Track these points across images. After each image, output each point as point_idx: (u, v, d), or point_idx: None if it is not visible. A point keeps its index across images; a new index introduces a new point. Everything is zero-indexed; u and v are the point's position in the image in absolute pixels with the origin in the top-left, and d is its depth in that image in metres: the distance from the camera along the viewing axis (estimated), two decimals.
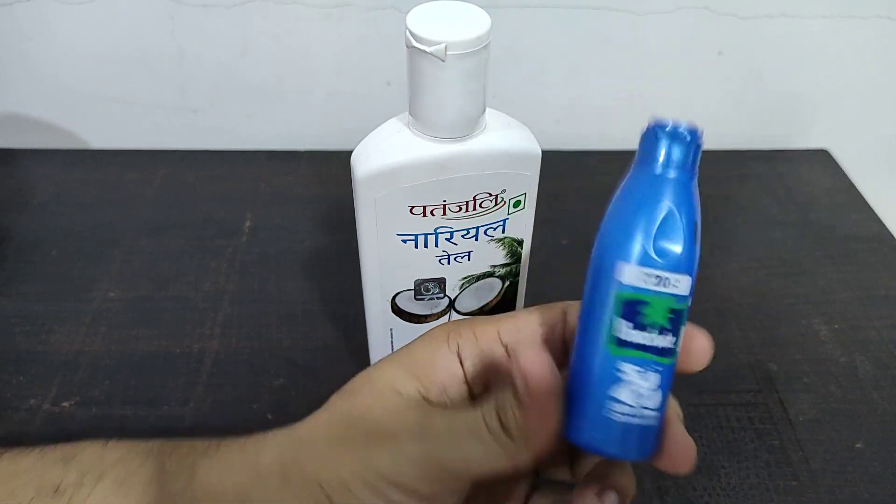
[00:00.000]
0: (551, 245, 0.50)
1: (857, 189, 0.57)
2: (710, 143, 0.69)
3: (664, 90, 0.59)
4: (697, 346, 0.23)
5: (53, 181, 0.55)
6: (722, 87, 0.59)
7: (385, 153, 0.29)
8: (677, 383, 0.40)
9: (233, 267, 0.48)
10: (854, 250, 0.51)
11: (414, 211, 0.30)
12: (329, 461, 0.23)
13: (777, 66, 0.58)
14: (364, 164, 0.30)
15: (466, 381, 0.25)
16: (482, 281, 0.34)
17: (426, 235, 0.31)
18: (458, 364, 0.25)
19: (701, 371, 0.24)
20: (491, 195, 0.31)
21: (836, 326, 0.45)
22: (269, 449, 0.25)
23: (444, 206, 0.30)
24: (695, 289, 0.23)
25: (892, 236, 0.53)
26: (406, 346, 0.26)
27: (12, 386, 0.40)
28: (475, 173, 0.30)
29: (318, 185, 0.56)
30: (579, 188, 0.56)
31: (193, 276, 0.47)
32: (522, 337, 0.25)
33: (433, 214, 0.30)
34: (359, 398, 0.25)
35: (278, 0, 0.53)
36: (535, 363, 0.20)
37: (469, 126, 0.29)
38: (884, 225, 0.54)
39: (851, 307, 0.47)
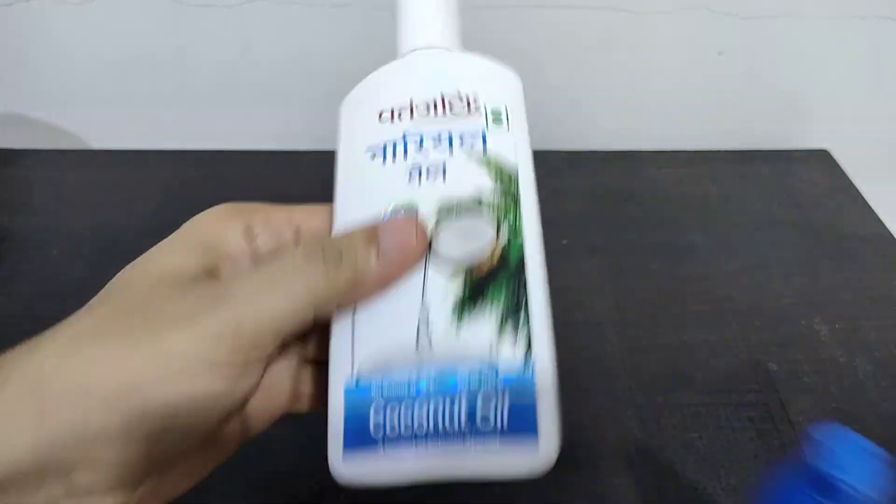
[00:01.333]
0: (551, 245, 0.50)
1: (857, 189, 0.57)
2: (710, 143, 0.69)
3: (664, 90, 0.59)
4: None
5: (54, 181, 0.55)
6: (722, 87, 0.59)
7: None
8: (678, 383, 0.39)
9: None
10: (854, 250, 0.51)
11: (382, 117, 0.29)
12: (105, 363, 0.19)
13: (777, 66, 0.58)
14: (345, 100, 0.31)
15: (256, 258, 0.25)
16: (467, 216, 0.27)
17: (394, 143, 0.28)
18: (247, 242, 0.25)
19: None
20: (461, 96, 0.29)
21: (837, 326, 0.45)
22: (17, 376, 0.19)
23: (412, 106, 0.28)
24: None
25: (892, 236, 0.53)
26: (189, 224, 0.25)
27: None
28: (441, 70, 0.30)
29: (319, 185, 0.55)
30: (579, 188, 0.56)
31: None
32: (315, 224, 0.26)
33: (400, 118, 0.28)
34: (132, 290, 0.22)
35: (278, 0, 0.53)
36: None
37: (436, 32, 0.30)
38: (884, 225, 0.54)
39: (851, 307, 0.47)
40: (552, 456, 0.22)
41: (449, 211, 0.26)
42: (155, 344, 0.20)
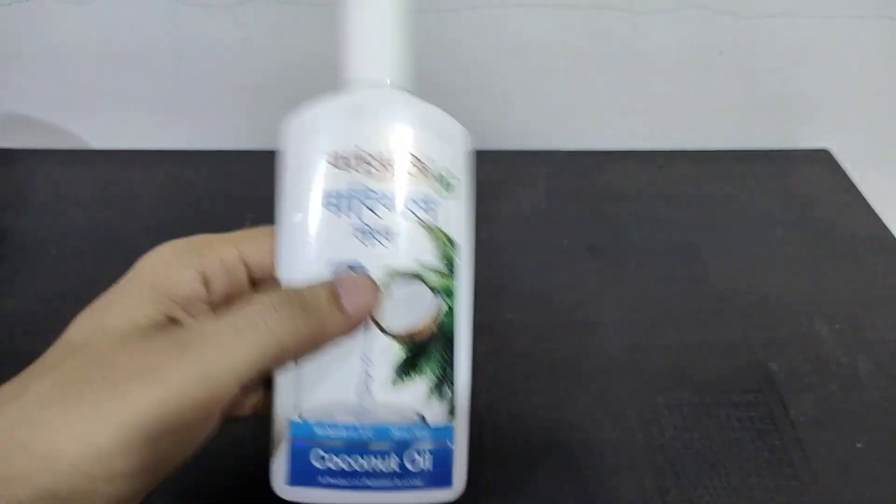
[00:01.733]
0: (552, 245, 0.50)
1: (857, 189, 0.57)
2: (710, 142, 0.69)
3: (664, 90, 0.59)
4: None
5: (53, 181, 0.55)
6: (722, 87, 0.59)
7: (308, 109, 0.30)
8: (678, 382, 0.39)
9: None
10: (854, 250, 0.51)
11: (332, 161, 0.28)
12: (72, 430, 0.20)
13: (777, 66, 0.58)
14: (290, 123, 0.30)
15: (209, 301, 0.25)
16: (411, 283, 0.28)
17: (344, 197, 0.28)
18: (203, 284, 0.25)
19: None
20: (414, 156, 0.29)
21: (837, 326, 0.45)
22: None
23: (363, 157, 0.28)
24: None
25: (893, 236, 0.53)
26: (140, 270, 0.25)
27: None
28: (391, 117, 0.29)
29: None
30: (579, 188, 0.56)
31: None
32: (262, 259, 0.27)
33: (351, 168, 0.28)
34: (91, 347, 0.22)
35: (278, 0, 0.53)
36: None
37: (382, 72, 0.30)
38: (884, 225, 0.54)
39: (851, 307, 0.47)
40: (461, 491, 0.28)
41: (394, 276, 0.28)
42: (119, 404, 0.20)
